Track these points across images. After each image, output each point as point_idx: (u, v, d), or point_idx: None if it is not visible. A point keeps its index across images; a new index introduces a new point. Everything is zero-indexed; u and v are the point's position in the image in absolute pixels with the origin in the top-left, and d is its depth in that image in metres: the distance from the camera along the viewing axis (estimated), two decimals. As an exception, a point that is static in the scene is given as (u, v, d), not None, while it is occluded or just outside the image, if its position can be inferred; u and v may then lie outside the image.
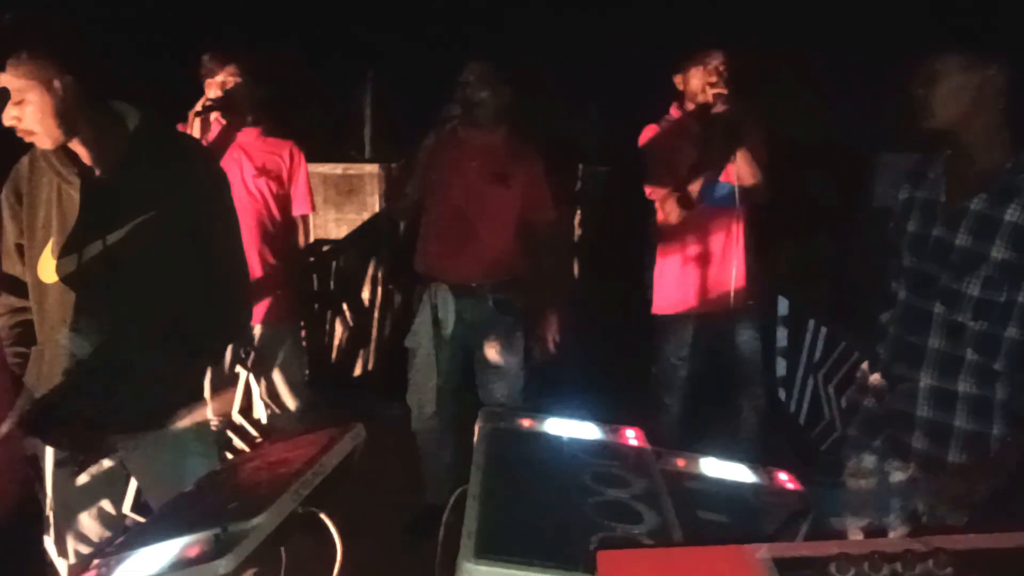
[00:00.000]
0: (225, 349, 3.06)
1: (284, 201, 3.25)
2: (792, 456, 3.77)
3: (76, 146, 1.93)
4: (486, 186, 3.12)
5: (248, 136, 3.17)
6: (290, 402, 3.32)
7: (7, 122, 1.85)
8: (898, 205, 2.21)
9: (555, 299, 3.29)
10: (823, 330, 4.49)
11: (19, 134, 1.88)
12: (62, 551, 2.16)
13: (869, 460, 2.17)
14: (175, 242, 1.97)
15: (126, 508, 2.41)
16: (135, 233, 1.92)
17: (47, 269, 1.94)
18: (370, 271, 5.30)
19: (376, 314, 5.29)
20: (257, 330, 3.23)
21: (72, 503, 2.11)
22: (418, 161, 3.08)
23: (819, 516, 1.47)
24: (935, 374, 2.02)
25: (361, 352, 5.19)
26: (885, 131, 5.26)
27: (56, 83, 1.82)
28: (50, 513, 2.11)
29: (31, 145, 1.94)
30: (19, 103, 1.83)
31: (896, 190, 2.28)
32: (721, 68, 3.19)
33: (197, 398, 2.19)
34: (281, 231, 3.25)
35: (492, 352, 3.19)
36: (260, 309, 3.20)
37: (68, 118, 1.87)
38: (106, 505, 2.15)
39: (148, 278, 1.95)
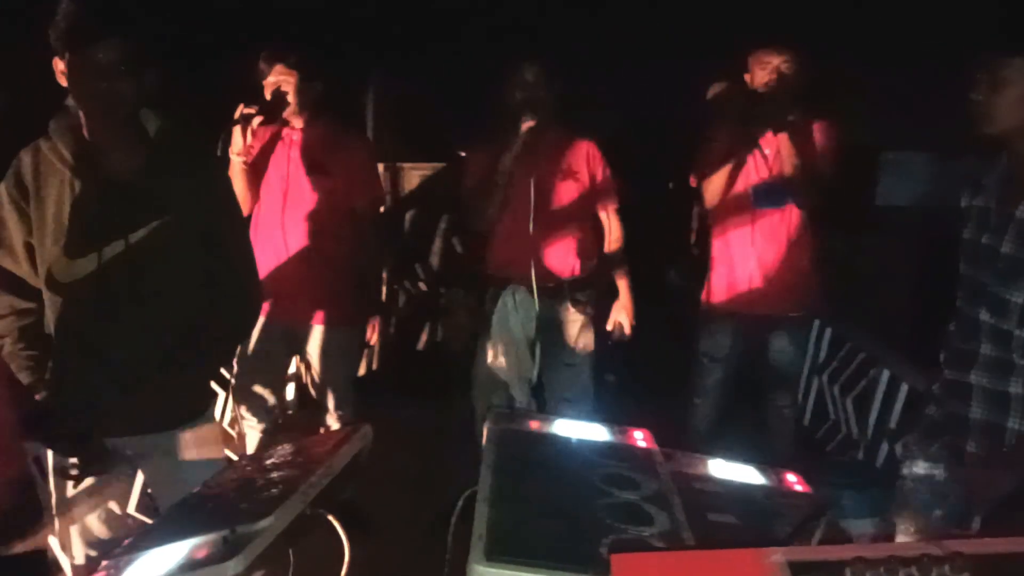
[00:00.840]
0: (234, 351, 3.06)
1: (344, 198, 3.19)
2: (798, 457, 3.75)
3: (96, 140, 1.92)
4: (560, 183, 3.16)
5: (302, 134, 3.15)
6: (339, 403, 3.30)
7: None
8: (961, 214, 2.19)
9: (628, 285, 3.31)
10: (828, 330, 4.48)
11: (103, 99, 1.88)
12: (67, 551, 2.16)
13: (922, 465, 2.16)
14: (191, 245, 1.97)
15: (131, 509, 2.41)
16: (155, 235, 1.92)
17: (64, 269, 1.93)
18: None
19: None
20: (319, 331, 3.21)
21: (77, 503, 2.11)
22: (503, 165, 3.06)
23: (830, 518, 1.46)
24: (987, 377, 2.01)
25: (366, 352, 5.18)
26: (890, 129, 5.25)
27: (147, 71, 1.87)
28: (54, 513, 2.11)
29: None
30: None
31: (898, 188, 2.28)
32: (782, 68, 3.15)
33: (207, 399, 2.19)
34: (342, 229, 3.20)
35: (567, 348, 3.22)
36: (321, 310, 3.19)
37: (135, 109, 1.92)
38: (112, 505, 2.15)
39: (165, 281, 1.96)
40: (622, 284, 3.30)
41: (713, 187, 3.25)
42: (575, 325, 3.22)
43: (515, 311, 3.15)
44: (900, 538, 2.15)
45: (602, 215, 3.27)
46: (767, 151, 3.21)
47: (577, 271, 3.21)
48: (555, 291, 3.18)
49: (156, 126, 1.98)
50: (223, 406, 3.59)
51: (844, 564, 0.90)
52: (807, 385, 4.60)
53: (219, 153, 2.94)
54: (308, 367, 3.31)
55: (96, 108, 1.89)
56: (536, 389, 3.23)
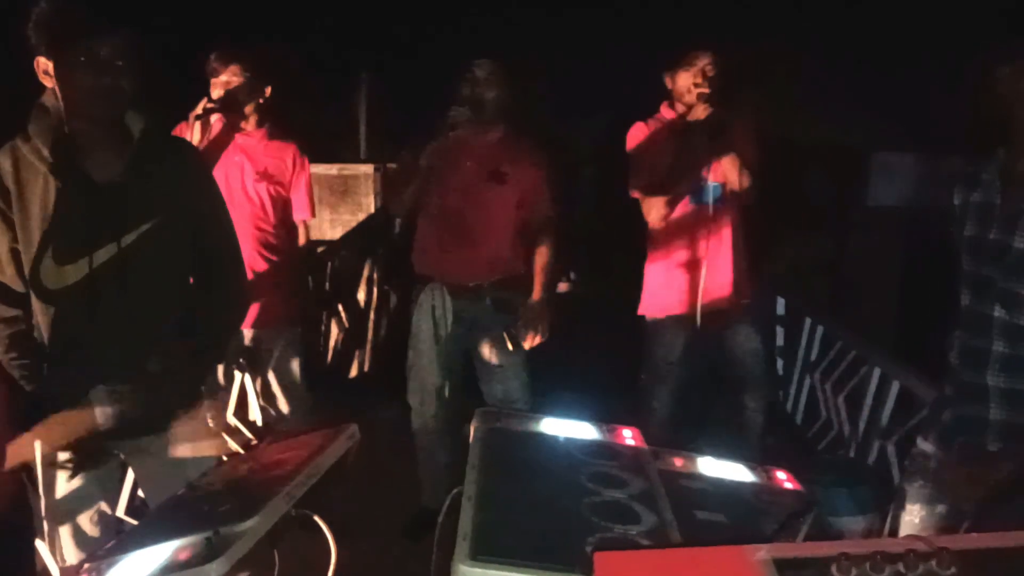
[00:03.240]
0: (227, 348, 3.03)
1: (284, 204, 3.22)
2: (789, 455, 3.75)
3: (80, 141, 1.89)
4: (484, 185, 3.09)
5: (252, 138, 3.15)
6: (286, 404, 3.30)
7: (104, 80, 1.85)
8: (954, 210, 2.17)
9: (548, 296, 3.21)
10: (819, 329, 4.49)
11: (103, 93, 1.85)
12: (56, 554, 2.14)
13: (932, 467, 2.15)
14: (178, 246, 1.96)
15: (120, 511, 2.39)
16: (143, 237, 1.90)
17: (52, 274, 1.90)
18: (365, 271, 5.28)
19: (371, 315, 5.28)
20: (251, 333, 3.20)
21: (66, 505, 2.09)
22: (419, 160, 3.03)
23: (818, 516, 1.45)
24: (1002, 376, 2.00)
25: (357, 353, 5.17)
26: (880, 130, 5.27)
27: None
28: (44, 516, 2.09)
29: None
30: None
31: (888, 189, 2.27)
32: (708, 69, 3.15)
33: (197, 398, 2.17)
34: (279, 234, 3.22)
35: (491, 351, 3.17)
36: (257, 312, 3.16)
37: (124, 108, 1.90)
38: (101, 507, 2.13)
39: (154, 282, 1.94)
40: (536, 292, 3.15)
41: (659, 208, 3.23)
42: (497, 327, 3.15)
43: (431, 311, 3.11)
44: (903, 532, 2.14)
45: (532, 221, 3.19)
46: (724, 164, 3.21)
47: (498, 273, 3.14)
48: (475, 292, 3.13)
49: (140, 126, 1.95)
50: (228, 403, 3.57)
51: (829, 560, 0.89)
52: (799, 384, 4.61)
53: None
54: (257, 371, 3.30)
55: (86, 107, 1.86)
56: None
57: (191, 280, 2.02)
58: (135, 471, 2.17)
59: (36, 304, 1.94)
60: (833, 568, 0.88)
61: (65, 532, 2.09)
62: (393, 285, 5.21)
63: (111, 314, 1.92)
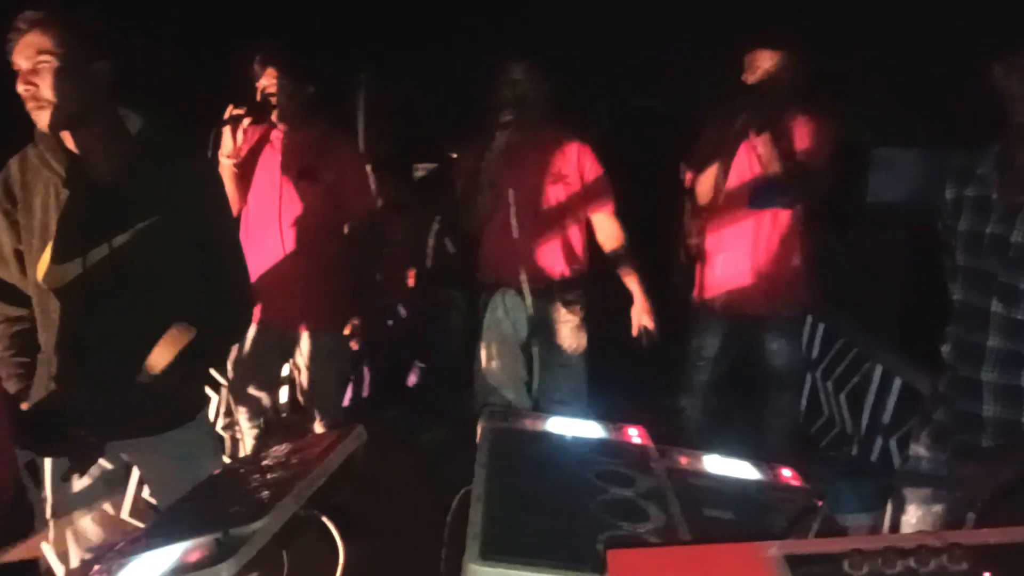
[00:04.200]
0: (228, 353, 3.04)
1: (333, 203, 3.17)
2: (791, 452, 3.75)
3: (75, 143, 1.90)
4: (549, 187, 3.12)
5: (294, 138, 3.13)
6: (328, 407, 3.29)
7: (22, 88, 1.80)
8: (946, 205, 2.16)
9: (640, 286, 3.23)
10: (821, 326, 4.48)
11: (27, 104, 1.82)
12: (63, 555, 2.14)
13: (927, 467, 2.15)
14: (179, 247, 1.95)
15: (125, 513, 2.40)
16: (140, 238, 1.90)
17: (53, 274, 1.91)
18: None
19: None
20: (308, 336, 3.19)
21: (71, 505, 2.09)
22: (488, 165, 3.03)
23: (827, 513, 1.45)
24: (997, 372, 2.00)
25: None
26: (880, 126, 5.27)
27: (94, 63, 1.82)
28: (49, 517, 2.09)
29: (18, 145, 1.92)
30: (38, 70, 1.78)
31: (889, 184, 2.26)
32: (771, 68, 3.13)
33: (201, 402, 2.17)
34: (331, 235, 3.20)
35: (559, 349, 3.19)
36: (311, 315, 3.17)
37: (88, 105, 1.84)
38: (107, 508, 2.14)
39: (152, 283, 1.94)
40: (633, 286, 3.21)
41: (703, 185, 3.24)
42: (566, 326, 3.19)
43: (506, 314, 3.13)
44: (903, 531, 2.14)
45: (595, 217, 3.21)
46: (760, 150, 3.20)
47: (566, 272, 3.18)
48: (545, 293, 3.15)
49: (138, 127, 1.95)
50: (216, 409, 3.58)
51: (841, 556, 0.89)
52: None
53: (209, 154, 2.93)
54: (298, 371, 3.29)
55: (40, 105, 1.83)
56: (531, 392, 3.21)
57: (194, 283, 2.01)
58: (141, 471, 2.18)
59: (36, 303, 1.96)
60: (845, 564, 0.89)
61: (70, 533, 2.09)
62: (394, 288, 5.19)
63: (107, 314, 1.92)
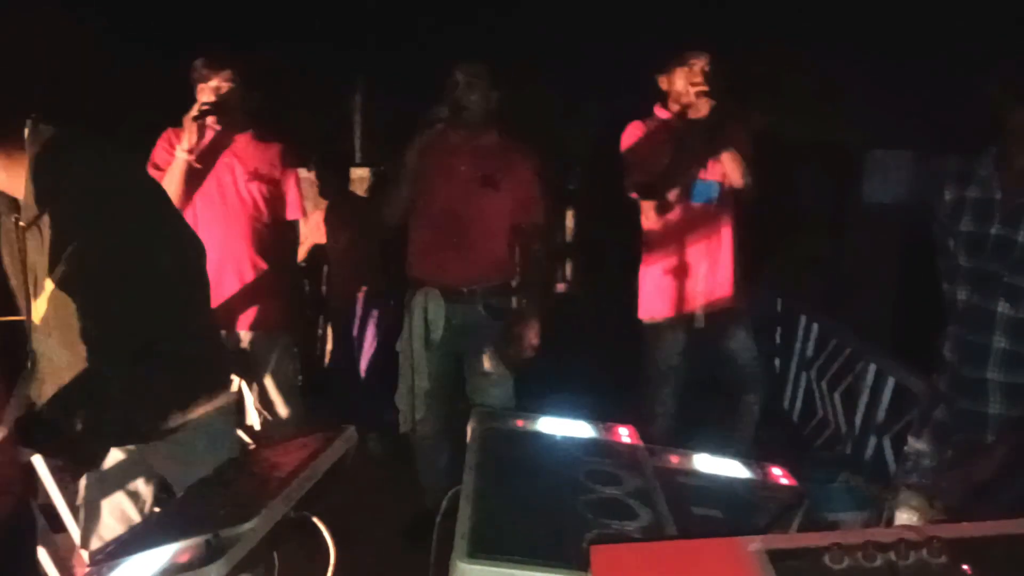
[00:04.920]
0: (200, 353, 3.00)
1: (276, 205, 3.22)
2: (785, 452, 3.77)
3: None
4: (476, 189, 3.08)
5: (240, 141, 3.15)
6: (283, 409, 3.30)
7: None
8: (944, 207, 2.17)
9: (539, 303, 3.24)
10: (815, 327, 4.50)
11: None
12: (88, 548, 2.14)
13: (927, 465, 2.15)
14: (117, 261, 1.84)
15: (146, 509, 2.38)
16: (72, 265, 1.79)
17: (27, 312, 1.91)
18: (361, 275, 5.27)
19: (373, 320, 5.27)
20: (248, 336, 3.21)
21: (96, 500, 2.09)
22: (407, 164, 3.04)
23: (814, 511, 1.46)
24: (1002, 371, 2.00)
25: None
26: (873, 128, 5.29)
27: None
28: (75, 507, 2.09)
29: None
30: None
31: (883, 186, 2.28)
32: (705, 69, 3.17)
33: (191, 401, 2.15)
34: (273, 236, 3.22)
35: (483, 358, 3.16)
36: (252, 315, 3.17)
37: None
38: (126, 508, 2.13)
39: (98, 304, 1.85)
40: (528, 302, 3.20)
41: (656, 209, 3.24)
42: (490, 334, 3.15)
43: (423, 314, 3.10)
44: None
45: (521, 226, 3.18)
46: (727, 164, 3.23)
47: (490, 278, 3.14)
48: (468, 297, 3.12)
49: (38, 145, 1.78)
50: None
51: (822, 550, 0.90)
52: (795, 381, 4.63)
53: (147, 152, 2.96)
54: (250, 374, 3.31)
55: None
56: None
57: (143, 294, 1.90)
58: (159, 471, 2.18)
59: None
60: (826, 558, 0.89)
61: (92, 525, 2.09)
62: (389, 289, 5.20)
63: (70, 338, 1.86)
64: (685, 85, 3.19)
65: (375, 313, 4.51)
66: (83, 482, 2.07)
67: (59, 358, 1.90)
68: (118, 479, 2.08)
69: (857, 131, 5.39)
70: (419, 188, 3.09)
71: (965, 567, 0.87)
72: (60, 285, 1.80)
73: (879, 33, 5.19)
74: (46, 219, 1.78)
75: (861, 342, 4.02)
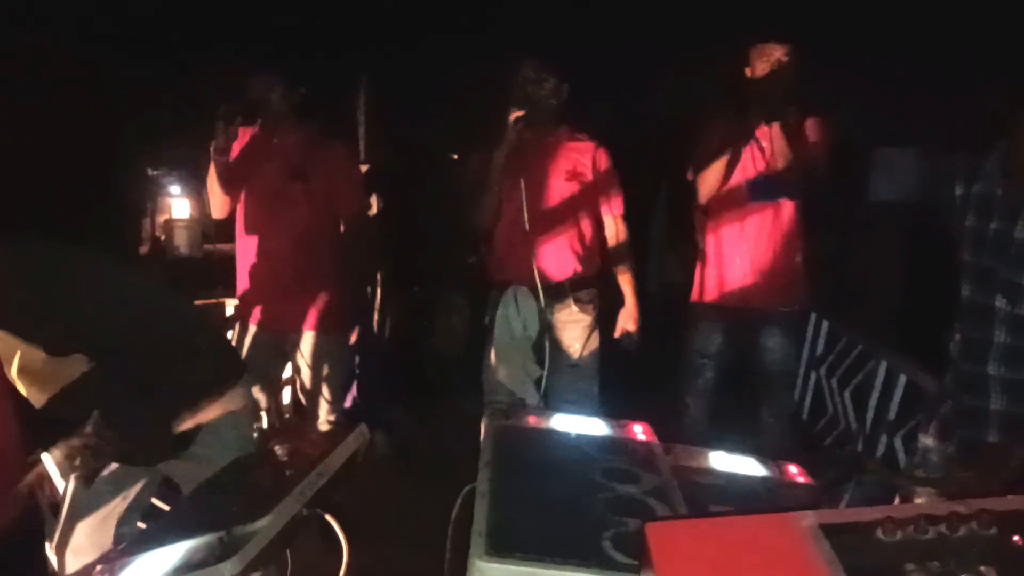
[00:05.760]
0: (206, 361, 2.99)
1: (327, 204, 3.17)
2: (796, 451, 3.75)
3: None
4: (563, 184, 3.13)
5: (290, 139, 3.13)
6: (327, 411, 3.27)
7: None
8: (955, 202, 2.16)
9: (635, 292, 3.26)
10: (824, 324, 4.48)
11: None
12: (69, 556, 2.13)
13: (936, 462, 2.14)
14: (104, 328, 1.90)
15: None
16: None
17: None
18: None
19: (377, 317, 5.26)
20: (310, 337, 3.18)
21: (81, 510, 2.08)
22: (494, 166, 3.04)
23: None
24: (1004, 367, 1.99)
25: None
26: (879, 126, 5.26)
27: None
28: (58, 520, 2.08)
29: None
30: None
31: (889, 184, 2.27)
32: (784, 59, 3.14)
33: (200, 406, 2.15)
34: (325, 236, 3.19)
35: (572, 350, 3.18)
36: (310, 316, 3.16)
37: None
38: (118, 509, 2.12)
39: (103, 336, 1.89)
40: (627, 290, 3.25)
41: (709, 181, 3.23)
42: (578, 326, 3.18)
43: (517, 312, 3.12)
44: None
45: (605, 218, 3.23)
46: (764, 144, 3.20)
47: (578, 271, 3.17)
48: (556, 291, 3.14)
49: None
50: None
51: (875, 524, 0.91)
52: (805, 379, 4.60)
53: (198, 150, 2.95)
54: (299, 373, 3.28)
55: None
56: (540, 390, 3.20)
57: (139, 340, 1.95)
58: (169, 473, 2.17)
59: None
60: (879, 531, 0.90)
61: (81, 536, 2.08)
62: (399, 288, 5.19)
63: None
64: (761, 73, 3.15)
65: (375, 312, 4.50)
66: (70, 486, 2.05)
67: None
68: (109, 490, 2.07)
69: (862, 129, 5.37)
70: (503, 190, 3.09)
71: (1016, 538, 0.88)
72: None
73: (884, 30, 5.17)
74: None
75: (871, 340, 4.00)
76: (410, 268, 4.81)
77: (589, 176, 3.15)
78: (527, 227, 3.09)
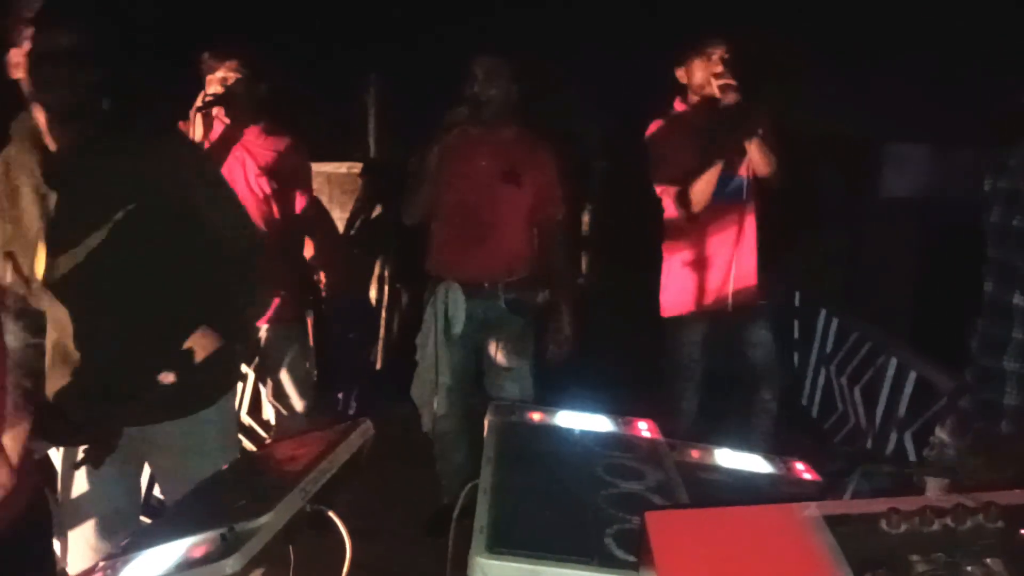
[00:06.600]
0: (246, 329, 3.00)
1: (286, 199, 3.19)
2: (805, 448, 3.73)
3: (53, 138, 1.86)
4: (498, 185, 3.07)
5: (250, 134, 3.13)
6: (297, 402, 3.30)
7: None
8: (985, 197, 2.15)
9: (569, 297, 3.22)
10: (834, 321, 4.46)
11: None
12: (74, 552, 2.13)
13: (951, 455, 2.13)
14: (167, 228, 1.91)
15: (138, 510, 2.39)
16: (125, 227, 1.86)
17: (49, 270, 1.89)
18: (376, 270, 5.28)
19: (383, 313, 5.27)
20: (263, 330, 3.20)
21: (84, 506, 2.08)
22: (428, 164, 3.01)
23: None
24: (1019, 361, 1.98)
25: (370, 351, 5.17)
26: (891, 122, 5.23)
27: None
28: (62, 515, 2.08)
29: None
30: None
31: (900, 180, 2.25)
32: (725, 57, 3.12)
33: (222, 385, 2.13)
34: (285, 230, 3.20)
35: (503, 353, 3.15)
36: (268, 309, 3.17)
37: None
38: (119, 507, 2.12)
39: (151, 266, 1.91)
40: (557, 302, 3.17)
41: (703, 192, 3.15)
42: (511, 329, 3.14)
43: (442, 310, 3.08)
44: None
45: (541, 223, 3.17)
46: (752, 154, 3.17)
47: (511, 274, 3.11)
48: (489, 292, 3.10)
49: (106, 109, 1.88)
50: (241, 398, 3.58)
51: (879, 516, 0.90)
52: (814, 376, 4.58)
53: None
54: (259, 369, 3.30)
55: (48, 98, 1.82)
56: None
57: (194, 263, 1.97)
58: (152, 466, 2.17)
59: (44, 302, 1.94)
60: (883, 523, 0.89)
61: (80, 534, 2.08)
62: (404, 283, 5.20)
63: (108, 303, 1.90)
64: (705, 76, 3.14)
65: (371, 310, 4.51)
66: (73, 477, 2.06)
67: (90, 325, 1.90)
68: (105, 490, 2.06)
69: (874, 124, 5.34)
70: (440, 184, 3.05)
71: (1022, 531, 0.87)
72: (109, 242, 1.85)
73: (895, 25, 5.13)
74: (110, 175, 1.86)
75: (881, 336, 3.97)
76: (415, 264, 4.78)
77: (531, 177, 3.09)
78: (460, 225, 3.07)
